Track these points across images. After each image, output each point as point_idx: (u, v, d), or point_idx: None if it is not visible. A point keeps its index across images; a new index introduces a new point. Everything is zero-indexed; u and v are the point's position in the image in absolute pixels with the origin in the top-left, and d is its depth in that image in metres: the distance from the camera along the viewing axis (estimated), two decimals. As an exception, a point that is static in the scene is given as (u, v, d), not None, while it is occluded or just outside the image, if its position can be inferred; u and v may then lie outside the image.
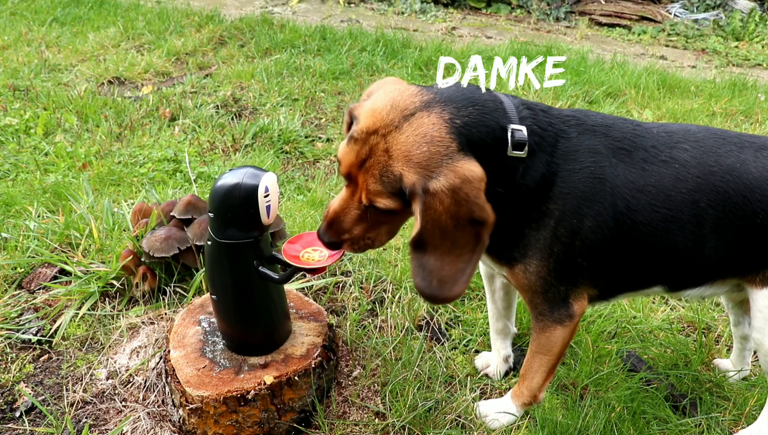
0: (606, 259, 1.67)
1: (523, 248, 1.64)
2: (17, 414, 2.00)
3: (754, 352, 2.20)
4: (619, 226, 1.63)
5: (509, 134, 1.49)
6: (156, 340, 2.23)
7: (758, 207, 1.65)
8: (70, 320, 2.33)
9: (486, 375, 2.20)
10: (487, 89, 1.57)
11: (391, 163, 1.40)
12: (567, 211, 1.59)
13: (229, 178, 1.70)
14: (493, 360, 2.21)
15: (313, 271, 1.76)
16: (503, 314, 2.15)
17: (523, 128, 1.52)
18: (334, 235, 1.58)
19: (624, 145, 1.66)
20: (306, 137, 3.99)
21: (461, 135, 1.42)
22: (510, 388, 2.13)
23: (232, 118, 4.20)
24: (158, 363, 2.09)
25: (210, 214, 1.75)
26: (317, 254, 1.75)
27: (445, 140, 1.40)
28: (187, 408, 1.84)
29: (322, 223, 1.60)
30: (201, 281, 2.40)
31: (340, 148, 1.50)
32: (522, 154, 1.51)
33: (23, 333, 2.28)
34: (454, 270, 1.47)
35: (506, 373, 2.21)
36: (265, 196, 1.70)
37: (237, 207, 1.70)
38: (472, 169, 1.40)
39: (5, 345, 2.24)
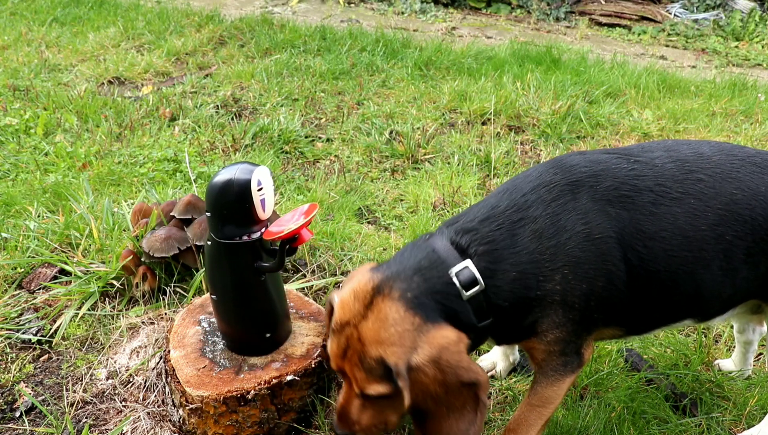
0: (627, 307, 1.58)
1: (537, 326, 1.56)
2: (17, 414, 2.00)
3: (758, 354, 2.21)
4: (635, 278, 1.53)
5: (456, 281, 1.47)
6: (156, 340, 2.23)
7: None
8: (70, 320, 2.33)
9: (492, 377, 2.20)
10: (426, 237, 1.55)
11: (367, 349, 1.43)
12: (571, 282, 1.50)
13: (222, 175, 1.71)
14: (499, 361, 2.21)
15: (295, 234, 1.71)
16: None
17: (466, 264, 1.48)
18: (345, 427, 1.59)
19: (623, 190, 1.53)
20: (306, 137, 3.99)
21: (419, 306, 1.43)
22: (510, 388, 2.13)
23: (232, 118, 4.20)
24: (158, 363, 2.09)
25: (207, 213, 1.76)
26: (297, 226, 1.73)
27: (407, 317, 1.41)
28: (187, 408, 1.84)
29: (334, 418, 1.62)
30: (201, 281, 2.40)
31: (328, 343, 1.54)
32: (478, 288, 1.47)
33: (23, 333, 2.28)
34: (456, 431, 1.46)
35: (509, 372, 2.22)
36: (259, 190, 1.69)
37: (232, 203, 1.70)
38: (445, 335, 1.42)
39: (5, 345, 2.24)
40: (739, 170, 1.57)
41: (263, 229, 1.78)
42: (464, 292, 1.47)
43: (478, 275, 1.47)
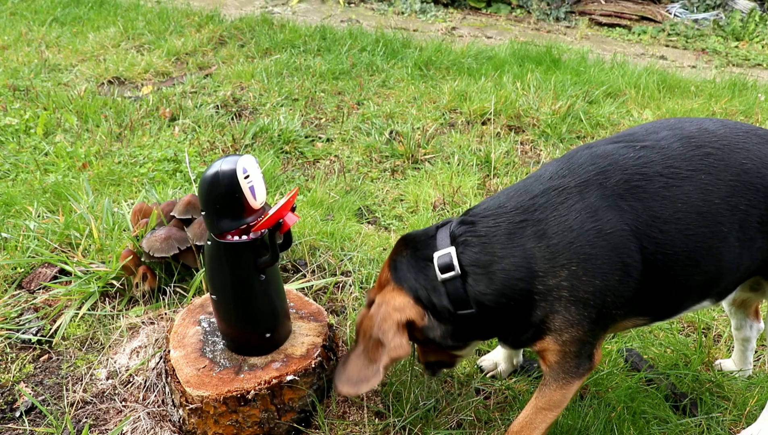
0: (646, 297, 1.58)
1: (549, 323, 1.56)
2: (17, 414, 2.00)
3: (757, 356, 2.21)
4: (652, 265, 1.53)
5: (435, 263, 1.63)
6: (156, 340, 2.23)
7: None
8: (70, 320, 2.33)
9: (493, 377, 2.20)
10: (446, 221, 1.74)
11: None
12: (581, 278, 1.51)
13: (209, 171, 1.73)
14: (502, 362, 2.20)
15: (277, 219, 1.74)
16: None
17: (448, 250, 1.62)
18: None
19: (634, 182, 1.54)
20: (306, 137, 3.99)
21: (395, 269, 1.70)
22: (510, 388, 2.13)
23: (232, 118, 4.20)
24: (158, 363, 2.09)
25: (202, 211, 1.77)
26: (275, 210, 1.74)
27: (384, 272, 1.74)
28: (187, 408, 1.84)
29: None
30: (201, 281, 2.40)
31: None
32: (453, 273, 1.60)
33: (23, 333, 2.28)
34: (359, 373, 1.68)
35: (511, 373, 2.22)
36: (246, 178, 1.71)
37: (222, 195, 1.71)
38: (393, 296, 1.67)
39: (5, 345, 2.24)
40: (746, 141, 1.59)
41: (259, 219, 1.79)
42: (440, 274, 1.62)
43: (455, 262, 1.60)
